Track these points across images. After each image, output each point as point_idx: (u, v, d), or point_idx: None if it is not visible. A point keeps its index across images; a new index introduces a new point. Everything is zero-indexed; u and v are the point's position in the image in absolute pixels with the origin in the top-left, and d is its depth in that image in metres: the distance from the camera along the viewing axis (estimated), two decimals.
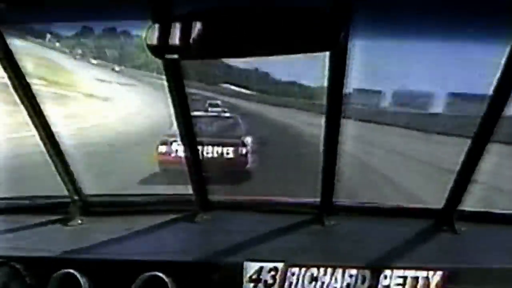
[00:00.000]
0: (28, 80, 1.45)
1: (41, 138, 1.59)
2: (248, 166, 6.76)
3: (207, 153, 6.53)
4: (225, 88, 17.49)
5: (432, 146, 10.45)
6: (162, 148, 6.66)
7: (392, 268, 1.40)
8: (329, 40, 1.02)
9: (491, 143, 1.42)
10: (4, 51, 1.36)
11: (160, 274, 1.38)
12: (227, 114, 8.91)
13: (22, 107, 1.50)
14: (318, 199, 1.69)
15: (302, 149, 7.94)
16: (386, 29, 1.38)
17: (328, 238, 1.65)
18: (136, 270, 1.38)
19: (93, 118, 13.46)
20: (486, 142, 1.43)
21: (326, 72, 1.30)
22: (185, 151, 1.64)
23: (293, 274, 1.41)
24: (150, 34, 1.04)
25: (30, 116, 1.52)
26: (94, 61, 22.70)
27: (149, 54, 1.06)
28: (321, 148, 1.52)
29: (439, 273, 1.39)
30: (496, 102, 1.33)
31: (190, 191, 1.75)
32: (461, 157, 1.51)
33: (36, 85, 1.50)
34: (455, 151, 1.57)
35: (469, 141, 1.46)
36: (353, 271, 1.40)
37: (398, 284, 1.39)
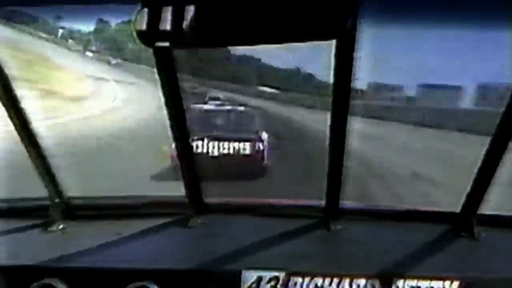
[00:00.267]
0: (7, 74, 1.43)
1: (19, 135, 1.58)
2: (265, 162, 6.93)
3: (223, 149, 6.81)
4: (261, 92, 17.06)
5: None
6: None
7: (404, 277, 1.39)
8: (335, 27, 1.01)
9: None
10: None
11: (151, 284, 1.37)
12: (242, 108, 9.08)
13: None
14: (323, 201, 1.68)
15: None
16: (398, 15, 1.37)
17: (334, 244, 1.65)
18: (124, 280, 1.37)
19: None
20: (507, 140, 1.42)
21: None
22: (177, 148, 1.63)
23: (295, 283, 1.40)
24: (139, 19, 1.02)
25: (6, 109, 1.50)
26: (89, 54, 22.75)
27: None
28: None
29: (456, 283, 1.38)
30: None
31: (183, 193, 1.74)
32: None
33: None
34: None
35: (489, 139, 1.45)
36: (362, 281, 1.40)
37: None
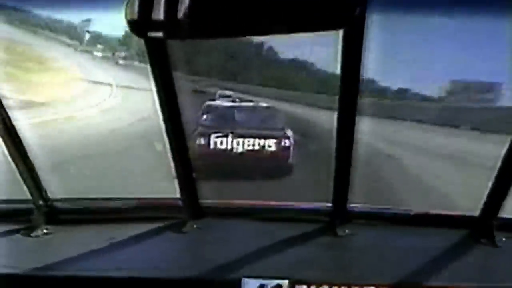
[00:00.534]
0: None
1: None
2: (291, 160, 7.14)
3: (248, 145, 7.17)
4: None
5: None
6: (200, 140, 7.20)
7: (418, 287, 1.39)
8: (342, 15, 1.00)
9: None
10: None
11: None
12: (264, 104, 9.38)
13: None
14: (330, 204, 1.68)
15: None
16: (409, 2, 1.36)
17: (341, 251, 1.64)
18: None
19: None
20: None
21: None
22: (171, 147, 1.62)
23: None
24: (130, 7, 1.01)
25: None
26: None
27: None
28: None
29: None
30: None
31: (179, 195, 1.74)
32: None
33: None
34: None
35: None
36: None
37: None
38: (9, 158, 1.64)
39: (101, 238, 1.63)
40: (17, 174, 1.68)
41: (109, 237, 1.63)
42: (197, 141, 7.19)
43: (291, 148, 7.24)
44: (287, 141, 7.33)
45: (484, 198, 1.60)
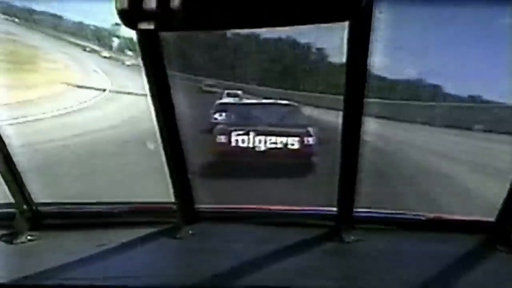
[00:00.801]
0: None
1: None
2: (313, 158, 7.43)
3: (270, 143, 7.52)
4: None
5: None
6: (221, 138, 7.62)
7: None
8: (348, 6, 1.00)
9: None
10: None
11: None
12: (284, 102, 9.72)
13: None
14: (335, 208, 1.68)
15: None
16: None
17: (347, 258, 1.64)
18: None
19: None
20: None
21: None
22: (164, 147, 1.62)
23: None
24: None
25: None
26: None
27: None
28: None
29: None
30: None
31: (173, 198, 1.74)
32: None
33: None
34: None
35: None
36: None
37: None
38: None
39: (90, 244, 1.63)
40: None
41: (98, 244, 1.63)
42: (217, 139, 7.64)
43: (314, 146, 7.50)
44: (310, 139, 7.58)
45: (502, 201, 1.60)
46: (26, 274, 1.47)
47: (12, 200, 1.72)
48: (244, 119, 8.42)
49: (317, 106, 12.77)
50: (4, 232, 1.71)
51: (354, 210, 1.66)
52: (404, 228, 1.77)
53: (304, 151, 7.53)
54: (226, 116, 9.65)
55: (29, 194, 1.73)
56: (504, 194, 1.55)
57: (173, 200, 1.73)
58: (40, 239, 1.70)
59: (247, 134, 7.70)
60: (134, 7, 1.01)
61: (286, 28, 1.06)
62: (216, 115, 12.62)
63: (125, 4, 1.01)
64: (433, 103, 13.68)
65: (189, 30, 1.15)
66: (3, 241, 1.68)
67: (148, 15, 1.02)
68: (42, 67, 17.74)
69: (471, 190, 6.91)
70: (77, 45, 22.34)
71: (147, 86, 1.44)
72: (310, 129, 7.87)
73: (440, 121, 12.24)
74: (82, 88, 17.17)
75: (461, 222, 1.82)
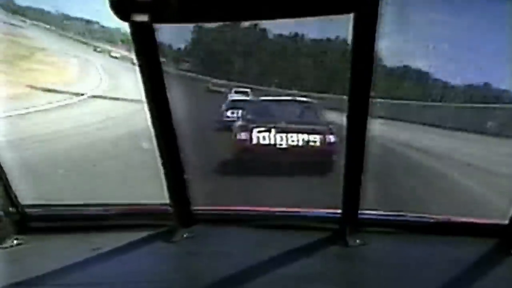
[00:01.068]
0: None
1: None
2: (335, 156, 7.62)
3: (292, 141, 7.86)
4: None
5: None
6: (242, 135, 7.99)
7: None
8: None
9: None
10: None
11: None
12: (303, 99, 10.18)
13: None
14: (339, 210, 1.68)
15: None
16: None
17: (352, 263, 1.65)
18: None
19: None
20: None
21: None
22: (159, 146, 1.62)
23: None
24: None
25: None
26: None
27: None
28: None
29: None
30: None
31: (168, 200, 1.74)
32: None
33: None
34: None
35: None
36: None
37: None
38: None
39: (80, 249, 1.63)
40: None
41: (89, 248, 1.63)
42: (238, 136, 8.03)
43: (336, 144, 7.74)
44: (331, 136, 7.88)
45: None
46: (13, 281, 1.47)
47: None
48: (261, 116, 8.66)
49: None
50: None
51: (359, 212, 1.67)
52: (412, 231, 1.78)
53: (326, 149, 7.74)
54: (243, 113, 10.01)
55: (15, 196, 1.73)
56: None
57: (168, 201, 1.74)
58: (28, 243, 1.70)
59: (269, 131, 7.98)
60: None
61: (292, 20, 1.06)
62: (229, 113, 12.81)
63: None
64: None
65: (184, 22, 1.16)
66: None
67: (141, 7, 1.02)
68: (24, 67, 17.82)
69: None
70: (89, 45, 22.97)
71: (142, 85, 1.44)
72: (332, 127, 8.07)
73: None
74: (52, 92, 17.28)
75: (471, 225, 1.82)
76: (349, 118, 1.43)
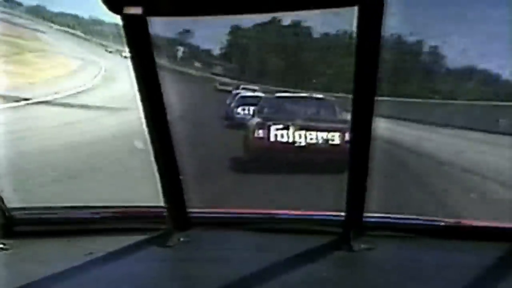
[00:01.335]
0: None
1: None
2: None
3: (311, 138, 8.18)
4: None
5: None
6: (260, 132, 8.18)
7: None
8: None
9: None
10: None
11: None
12: (319, 96, 10.50)
13: None
14: (343, 213, 1.68)
15: None
16: None
17: (357, 269, 1.65)
18: None
19: None
20: None
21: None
22: (153, 146, 1.62)
23: None
24: None
25: None
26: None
27: None
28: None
29: None
30: None
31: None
32: None
33: None
34: None
35: None
36: None
37: None
38: None
39: (70, 254, 1.63)
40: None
41: (80, 253, 1.63)
42: (255, 134, 8.23)
43: None
44: None
45: None
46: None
47: None
48: (278, 113, 8.92)
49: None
50: None
51: (364, 215, 1.66)
52: (421, 235, 1.77)
53: (345, 147, 7.72)
54: (256, 109, 10.14)
55: (1, 198, 1.73)
56: None
57: (163, 204, 1.73)
58: (14, 248, 1.70)
59: (287, 128, 8.15)
60: None
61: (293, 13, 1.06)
62: (239, 109, 12.93)
63: None
64: None
65: (178, 15, 1.15)
66: None
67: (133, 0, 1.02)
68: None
69: None
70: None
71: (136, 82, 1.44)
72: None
73: None
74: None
75: (484, 229, 1.82)
76: (353, 117, 1.42)
